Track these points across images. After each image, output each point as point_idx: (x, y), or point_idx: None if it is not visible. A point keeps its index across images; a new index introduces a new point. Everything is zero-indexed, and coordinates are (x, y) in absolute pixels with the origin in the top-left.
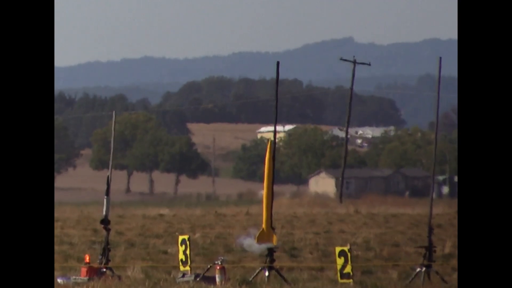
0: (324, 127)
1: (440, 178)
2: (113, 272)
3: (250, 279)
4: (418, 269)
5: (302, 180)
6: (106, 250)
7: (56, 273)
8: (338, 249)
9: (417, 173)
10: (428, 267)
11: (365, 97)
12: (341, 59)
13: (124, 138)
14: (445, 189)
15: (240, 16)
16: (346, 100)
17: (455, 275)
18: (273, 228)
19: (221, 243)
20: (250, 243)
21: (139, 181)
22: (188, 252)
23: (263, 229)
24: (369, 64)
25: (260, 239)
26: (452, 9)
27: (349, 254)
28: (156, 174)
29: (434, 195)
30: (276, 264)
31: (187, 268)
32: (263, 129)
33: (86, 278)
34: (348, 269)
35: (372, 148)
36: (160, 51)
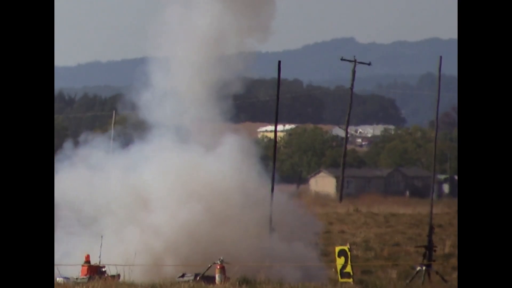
0: (324, 127)
1: (441, 177)
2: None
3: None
4: (418, 268)
5: (302, 180)
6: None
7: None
8: (338, 248)
9: (417, 173)
10: (428, 266)
11: (366, 97)
12: (342, 59)
13: None
14: (446, 188)
15: None
16: (347, 100)
17: (455, 275)
18: (273, 229)
19: None
20: None
21: None
22: None
23: None
24: (369, 64)
25: None
26: (452, 9)
27: (349, 254)
28: None
29: (434, 195)
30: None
31: None
32: (263, 128)
33: (86, 277)
34: (348, 268)
35: (372, 147)
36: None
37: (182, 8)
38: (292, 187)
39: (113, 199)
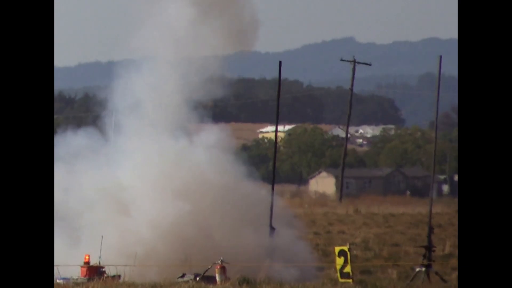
0: (324, 127)
1: (441, 177)
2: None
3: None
4: (418, 269)
5: (302, 180)
6: None
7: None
8: (337, 248)
9: (417, 173)
10: (428, 267)
11: (365, 97)
12: (342, 59)
13: None
14: (445, 188)
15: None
16: (346, 100)
17: (454, 275)
18: (273, 228)
19: None
20: None
21: None
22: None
23: None
24: (370, 64)
25: None
26: (452, 8)
27: (348, 254)
28: None
29: (434, 195)
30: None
31: None
32: (264, 129)
33: (85, 278)
34: (348, 268)
35: (372, 147)
36: None
37: (159, 11)
38: (291, 187)
39: (93, 197)
